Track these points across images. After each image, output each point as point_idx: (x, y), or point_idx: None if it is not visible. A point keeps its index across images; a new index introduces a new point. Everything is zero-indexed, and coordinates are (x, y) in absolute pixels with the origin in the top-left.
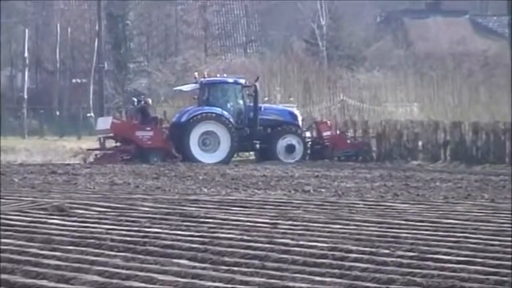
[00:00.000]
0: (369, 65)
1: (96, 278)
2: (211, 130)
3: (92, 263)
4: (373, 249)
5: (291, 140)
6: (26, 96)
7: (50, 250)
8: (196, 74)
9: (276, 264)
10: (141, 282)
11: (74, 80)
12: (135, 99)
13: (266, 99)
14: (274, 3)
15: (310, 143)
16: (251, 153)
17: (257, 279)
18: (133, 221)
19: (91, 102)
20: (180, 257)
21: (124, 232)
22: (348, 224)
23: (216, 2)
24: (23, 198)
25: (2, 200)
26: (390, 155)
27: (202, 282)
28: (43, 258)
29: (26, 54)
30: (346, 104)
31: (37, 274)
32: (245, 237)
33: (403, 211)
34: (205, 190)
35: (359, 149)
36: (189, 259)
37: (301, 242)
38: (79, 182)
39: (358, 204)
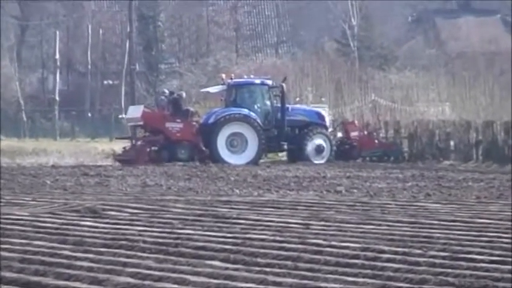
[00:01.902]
0: (401, 64)
1: (128, 279)
2: (239, 131)
3: (125, 264)
4: (405, 250)
5: (319, 140)
6: (57, 98)
7: (83, 252)
8: (223, 75)
9: (308, 265)
10: (173, 284)
11: (105, 82)
12: (167, 91)
13: (298, 99)
14: (305, 3)
15: (338, 143)
16: (282, 154)
17: (290, 280)
18: (165, 223)
19: (123, 103)
20: (212, 258)
21: (156, 234)
22: (380, 225)
23: (247, 2)
24: (55, 200)
25: (34, 202)
26: (422, 155)
27: (234, 283)
28: (75, 260)
29: (58, 56)
30: (377, 104)
31: (69, 276)
32: (277, 238)
33: (435, 211)
34: (238, 191)
35: (387, 149)
36: (222, 260)
37: (333, 243)
38: (111, 183)
39: (391, 204)
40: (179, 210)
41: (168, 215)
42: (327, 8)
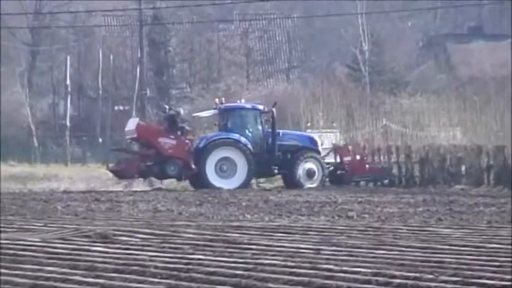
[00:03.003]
0: (412, 89)
1: None
2: (228, 156)
3: None
4: (417, 275)
5: (310, 164)
6: (68, 124)
7: (94, 277)
8: (216, 100)
9: None
10: None
11: (116, 107)
12: (167, 107)
13: (309, 124)
14: (316, 29)
15: (332, 168)
16: (274, 179)
17: None
18: (176, 248)
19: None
20: (223, 283)
21: (167, 259)
22: (391, 250)
23: (258, 28)
24: (66, 226)
25: (46, 228)
26: (433, 180)
27: None
28: (87, 286)
29: (68, 82)
30: (388, 128)
31: None
32: (289, 263)
33: (446, 236)
34: (249, 216)
35: (377, 174)
36: (233, 286)
37: (344, 268)
38: (122, 209)
39: (402, 229)
40: (190, 236)
41: (179, 241)
42: (338, 33)
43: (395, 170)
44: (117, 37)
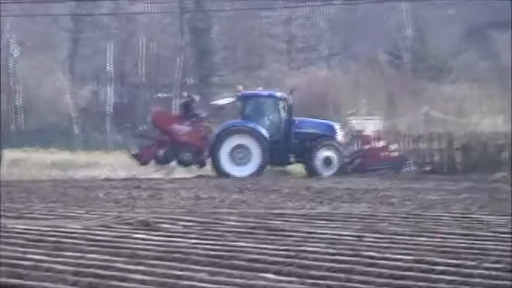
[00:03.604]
0: (454, 76)
1: None
2: (243, 143)
3: (178, 277)
4: (459, 262)
5: (328, 152)
6: (110, 111)
7: (135, 265)
8: (238, 87)
9: (361, 277)
10: None
11: (158, 94)
12: (186, 94)
13: (351, 112)
14: (358, 16)
15: (353, 156)
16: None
17: None
18: (218, 235)
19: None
20: (265, 271)
21: (209, 246)
22: (433, 237)
23: (301, 15)
24: (107, 213)
25: (87, 215)
26: (475, 167)
27: None
28: (128, 273)
29: (110, 69)
30: (430, 116)
31: None
32: (330, 251)
33: (489, 223)
34: (290, 204)
35: (393, 162)
36: (275, 273)
37: (386, 255)
38: (164, 196)
39: (444, 216)
40: (232, 223)
41: (221, 228)
42: (380, 20)
43: (437, 157)
44: (158, 24)
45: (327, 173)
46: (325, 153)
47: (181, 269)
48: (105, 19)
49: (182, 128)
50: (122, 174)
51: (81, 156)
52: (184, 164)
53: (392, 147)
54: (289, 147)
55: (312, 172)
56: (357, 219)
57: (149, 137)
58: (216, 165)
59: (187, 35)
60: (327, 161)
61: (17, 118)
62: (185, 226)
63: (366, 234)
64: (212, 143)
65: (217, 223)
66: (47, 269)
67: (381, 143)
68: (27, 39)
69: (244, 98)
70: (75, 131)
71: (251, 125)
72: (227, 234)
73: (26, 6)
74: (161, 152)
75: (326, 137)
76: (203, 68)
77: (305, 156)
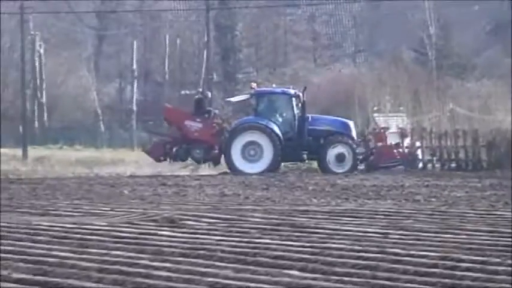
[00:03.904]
0: (479, 73)
1: None
2: (255, 140)
3: (203, 274)
4: (484, 259)
5: (340, 149)
6: (135, 108)
7: (161, 262)
8: (253, 84)
9: (387, 274)
10: None
11: (182, 92)
12: (200, 90)
13: (375, 108)
14: (383, 13)
15: (365, 153)
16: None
17: None
18: (243, 232)
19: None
20: (290, 267)
21: (234, 243)
22: (458, 234)
23: (325, 12)
24: (133, 210)
25: (112, 212)
26: (500, 164)
27: None
28: (154, 270)
29: (135, 66)
30: (455, 112)
31: (148, 286)
32: (356, 247)
33: None
34: (315, 200)
35: (404, 159)
36: (300, 270)
37: (412, 252)
38: (189, 193)
39: (469, 213)
40: (257, 220)
41: (246, 225)
42: (404, 17)
43: (462, 154)
44: (183, 21)
45: (339, 170)
46: (337, 150)
47: (206, 266)
48: (129, 16)
49: (193, 125)
50: (147, 171)
51: (106, 154)
52: (196, 161)
53: (405, 144)
54: (302, 144)
55: (324, 169)
56: (382, 216)
57: (160, 134)
58: (228, 162)
59: (212, 33)
60: (340, 158)
61: (41, 116)
62: (210, 223)
63: (391, 231)
64: (224, 140)
65: (242, 220)
66: (72, 266)
67: (394, 141)
68: (51, 36)
69: (258, 95)
70: (101, 128)
71: (263, 122)
72: (252, 231)
73: (51, 4)
74: (171, 149)
75: (340, 134)
76: (228, 65)
77: (318, 153)
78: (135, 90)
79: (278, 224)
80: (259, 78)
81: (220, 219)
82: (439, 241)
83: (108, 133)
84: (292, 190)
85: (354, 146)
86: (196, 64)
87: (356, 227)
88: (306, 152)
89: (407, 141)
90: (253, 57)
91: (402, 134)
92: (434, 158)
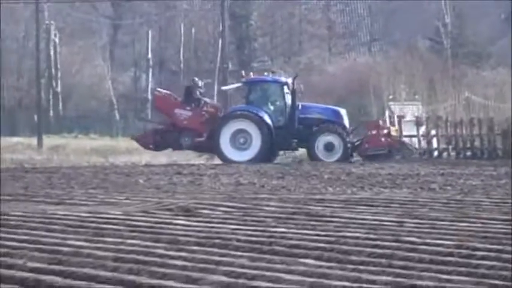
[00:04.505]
0: (494, 62)
1: (222, 278)
2: (244, 128)
3: (218, 263)
4: (499, 247)
5: (330, 138)
6: (149, 97)
7: (176, 251)
8: (243, 73)
9: (402, 263)
10: (267, 282)
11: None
12: (196, 78)
13: (391, 97)
14: (398, 2)
15: (355, 142)
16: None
17: (384, 277)
18: (259, 221)
19: (215, 102)
20: (306, 256)
21: (250, 232)
22: (474, 222)
23: (340, 1)
24: (148, 199)
25: (128, 201)
26: None
27: (328, 281)
28: (169, 259)
29: (150, 55)
30: (471, 101)
31: (163, 275)
32: (371, 236)
33: None
34: (331, 189)
35: (393, 148)
36: (315, 258)
37: (427, 240)
38: (204, 182)
39: (485, 201)
40: (272, 209)
41: (261, 214)
42: (420, 6)
43: (477, 143)
44: (198, 10)
45: (328, 159)
46: (326, 139)
47: (222, 255)
48: (145, 5)
49: (183, 113)
50: (163, 160)
51: (122, 142)
52: (184, 148)
53: (394, 132)
54: (292, 132)
55: (313, 157)
56: (397, 205)
57: (150, 121)
58: (217, 150)
59: (227, 22)
60: (328, 147)
61: (56, 105)
62: (225, 212)
63: (406, 220)
64: (213, 128)
65: (257, 209)
66: (87, 255)
67: (386, 129)
68: (66, 25)
69: (249, 84)
70: (116, 117)
71: (253, 110)
72: (267, 220)
73: None
74: (161, 137)
75: (331, 122)
76: (243, 54)
77: (308, 141)
78: (150, 79)
79: (293, 213)
80: (274, 66)
81: (236, 208)
82: (455, 229)
83: (123, 122)
84: (307, 179)
85: (345, 134)
86: (211, 53)
87: (371, 215)
88: (295, 141)
89: (422, 130)
90: (268, 46)
91: (418, 123)
92: (450, 147)
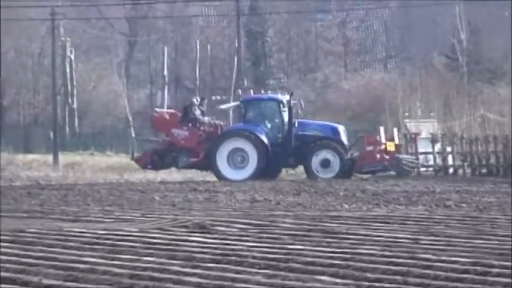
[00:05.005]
0: (510, 79)
1: None
2: (241, 147)
3: (234, 280)
4: None
5: (326, 154)
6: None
7: (192, 268)
8: (239, 91)
9: (418, 280)
10: None
11: (213, 97)
12: (199, 98)
13: (406, 114)
14: (413, 18)
15: (351, 158)
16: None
17: None
18: (274, 238)
19: (231, 119)
20: (322, 273)
21: (265, 249)
22: (490, 239)
23: (356, 18)
24: (163, 216)
25: (143, 218)
26: None
27: None
28: (184, 276)
29: (166, 72)
30: (486, 118)
31: None
32: (387, 253)
33: None
34: (346, 206)
35: (389, 165)
36: (331, 275)
37: (443, 257)
38: (220, 199)
39: (500, 219)
40: (288, 226)
41: (277, 230)
42: (435, 23)
43: (493, 160)
44: (214, 27)
45: (325, 175)
46: (322, 155)
47: (237, 272)
48: (160, 22)
49: (180, 133)
50: (178, 177)
51: None
52: (183, 168)
53: (392, 148)
54: (289, 149)
55: (310, 175)
56: (413, 222)
57: (149, 141)
58: (214, 169)
59: (243, 38)
60: (324, 164)
61: (72, 121)
62: (241, 229)
63: (422, 237)
64: (210, 147)
65: (273, 226)
66: (103, 272)
67: (383, 145)
68: (82, 42)
69: (246, 102)
70: (132, 134)
71: (249, 128)
72: (283, 237)
73: (81, 10)
74: (159, 157)
75: (328, 139)
76: (259, 71)
77: (305, 158)
78: (166, 96)
79: (309, 230)
80: (289, 83)
81: (252, 225)
82: (470, 247)
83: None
84: (323, 196)
85: (342, 151)
86: (227, 70)
87: (387, 232)
88: (292, 158)
89: (437, 147)
90: (284, 62)
91: (433, 140)
92: (465, 164)
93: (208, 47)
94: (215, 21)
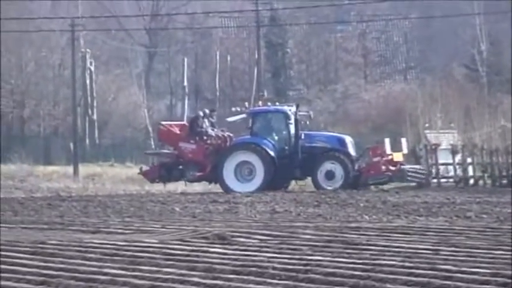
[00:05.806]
0: None
1: None
2: (248, 160)
3: None
4: None
5: (331, 166)
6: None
7: (212, 279)
8: (246, 104)
9: None
10: None
11: (233, 109)
12: (207, 110)
13: (427, 125)
14: (433, 29)
15: (357, 169)
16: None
17: None
18: (295, 249)
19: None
20: (342, 284)
21: (286, 260)
22: (510, 250)
23: (376, 29)
24: (184, 227)
25: (163, 229)
26: None
27: None
28: (205, 287)
29: (186, 83)
30: (506, 129)
31: None
32: (407, 264)
33: None
34: (367, 217)
35: (394, 176)
36: (351, 286)
37: (463, 268)
38: (240, 210)
39: None
40: (308, 237)
41: (297, 242)
42: (455, 34)
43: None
44: (234, 38)
45: (330, 186)
46: (327, 167)
47: (258, 283)
48: (180, 33)
49: (188, 146)
50: (198, 188)
51: None
52: (190, 181)
53: (398, 159)
54: (296, 161)
55: (317, 186)
56: (433, 233)
57: (157, 154)
58: (220, 182)
59: (263, 50)
60: (329, 175)
61: (92, 133)
62: (261, 240)
63: (442, 248)
64: (216, 160)
65: (293, 237)
66: (124, 283)
67: (390, 155)
68: (102, 53)
69: (253, 114)
70: (152, 145)
71: (255, 141)
72: (303, 248)
73: (101, 21)
74: (167, 170)
75: (335, 150)
76: (279, 82)
77: (311, 170)
78: (186, 107)
79: (329, 241)
80: (309, 95)
81: (272, 236)
82: (491, 258)
83: (158, 150)
84: (343, 207)
85: (348, 162)
86: (247, 81)
87: (407, 243)
88: (299, 170)
89: (458, 158)
90: (304, 74)
91: (453, 151)
92: (486, 175)
93: (228, 58)
94: (235, 32)
